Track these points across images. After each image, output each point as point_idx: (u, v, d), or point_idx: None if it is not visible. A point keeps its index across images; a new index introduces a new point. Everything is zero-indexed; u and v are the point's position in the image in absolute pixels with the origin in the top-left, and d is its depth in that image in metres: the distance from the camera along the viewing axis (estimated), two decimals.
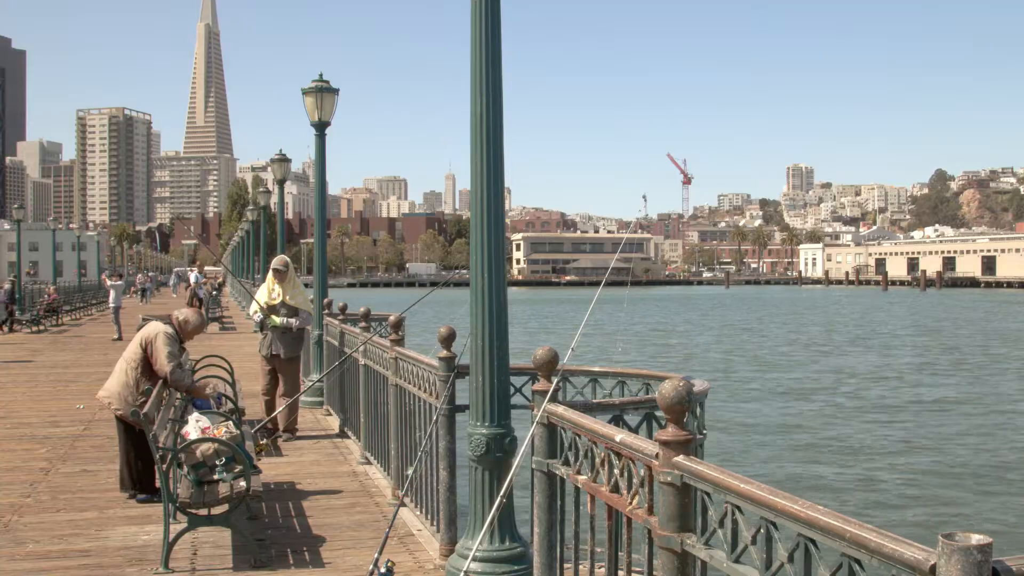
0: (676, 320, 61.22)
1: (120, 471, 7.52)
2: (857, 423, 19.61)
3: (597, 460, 3.57)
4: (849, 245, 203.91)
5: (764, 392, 24.60)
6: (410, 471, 6.32)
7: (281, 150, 20.71)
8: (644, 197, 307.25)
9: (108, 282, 29.11)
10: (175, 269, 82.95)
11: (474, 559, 4.63)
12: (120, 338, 24.37)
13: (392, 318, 7.52)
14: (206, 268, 48.01)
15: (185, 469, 6.00)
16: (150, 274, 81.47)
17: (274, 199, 27.35)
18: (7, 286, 29.89)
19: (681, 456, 2.87)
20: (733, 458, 15.28)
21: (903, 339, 43.73)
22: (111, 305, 26.97)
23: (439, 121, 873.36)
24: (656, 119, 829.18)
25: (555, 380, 4.30)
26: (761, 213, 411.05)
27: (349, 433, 10.15)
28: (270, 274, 10.53)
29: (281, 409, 9.98)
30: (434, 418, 5.90)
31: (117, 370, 7.44)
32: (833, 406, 22.06)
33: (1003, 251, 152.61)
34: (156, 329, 7.39)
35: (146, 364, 7.30)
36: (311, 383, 11.88)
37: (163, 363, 7.21)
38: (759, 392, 24.59)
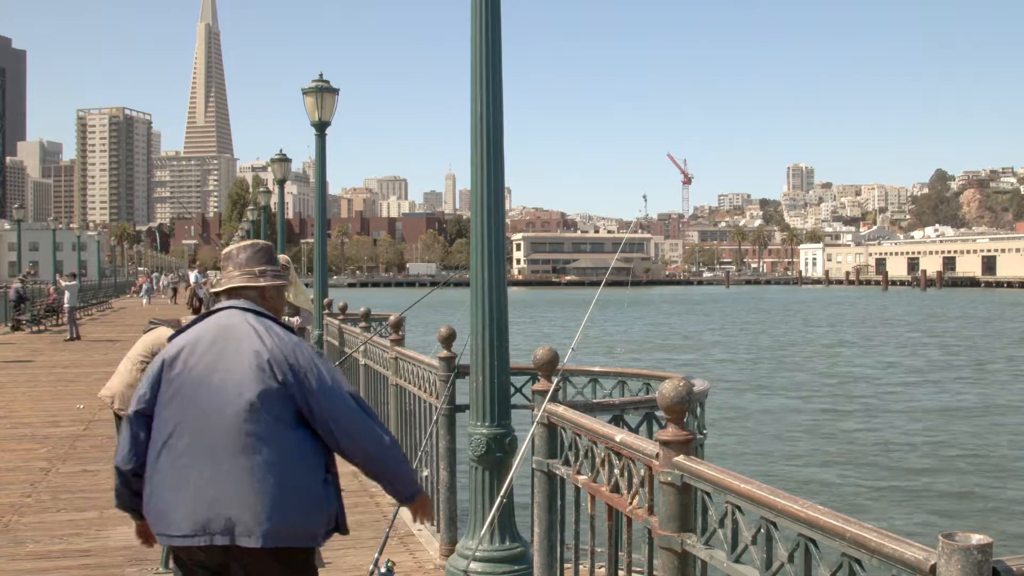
0: (678, 321, 61.20)
1: None
2: (858, 423, 19.61)
3: (597, 460, 3.57)
4: (849, 245, 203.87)
5: (766, 391, 24.59)
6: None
7: (281, 150, 20.74)
8: (644, 197, 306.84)
9: (63, 282, 27.47)
10: (166, 274, 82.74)
11: (474, 559, 4.63)
12: (74, 338, 24.28)
13: (392, 318, 7.52)
14: (208, 272, 48.10)
15: None
16: (172, 275, 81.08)
17: (274, 199, 27.36)
18: (17, 285, 29.90)
19: (681, 456, 2.87)
20: (735, 458, 15.28)
21: (913, 339, 43.73)
22: (65, 306, 25.60)
23: (439, 121, 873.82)
24: (656, 119, 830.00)
25: (555, 380, 4.31)
26: (761, 213, 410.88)
27: None
28: None
29: None
30: (434, 418, 5.90)
31: (121, 369, 7.45)
32: (835, 406, 22.05)
33: (1003, 251, 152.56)
34: (169, 336, 7.42)
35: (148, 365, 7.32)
36: None
37: None
38: (761, 391, 24.58)
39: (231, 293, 3.09)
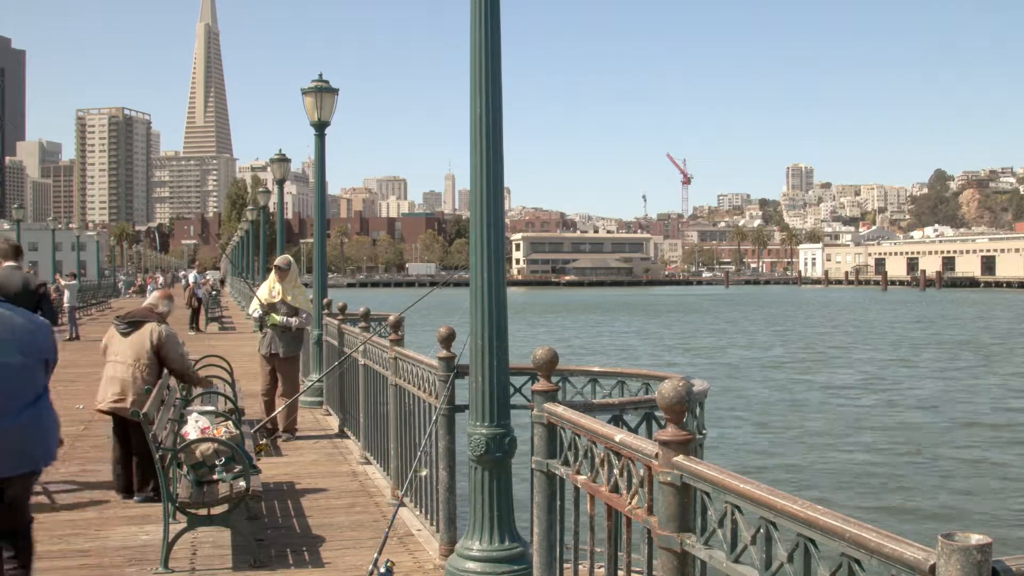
0: (679, 324, 61.21)
1: (121, 471, 7.53)
2: (859, 424, 19.61)
3: (597, 460, 3.57)
4: (849, 245, 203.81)
5: (767, 392, 24.60)
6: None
7: (281, 150, 20.74)
8: (644, 197, 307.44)
9: (62, 281, 27.71)
10: (132, 276, 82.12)
11: (474, 559, 4.63)
12: (73, 338, 24.34)
13: (392, 318, 7.51)
14: (208, 272, 47.97)
15: (185, 469, 6.00)
16: (206, 275, 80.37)
17: (274, 199, 27.37)
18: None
19: (681, 456, 2.86)
20: (737, 457, 15.28)
21: (918, 340, 43.76)
22: (65, 306, 25.70)
23: (439, 121, 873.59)
24: (656, 119, 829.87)
25: (555, 380, 4.30)
26: (761, 213, 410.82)
27: (349, 433, 10.15)
28: (272, 272, 10.54)
29: (281, 409, 9.98)
30: (434, 418, 5.90)
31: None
32: (835, 406, 22.06)
33: (1003, 251, 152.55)
34: (163, 330, 7.46)
35: (154, 363, 7.32)
36: (311, 383, 11.88)
37: (180, 364, 7.47)
38: (762, 392, 24.59)
39: None
